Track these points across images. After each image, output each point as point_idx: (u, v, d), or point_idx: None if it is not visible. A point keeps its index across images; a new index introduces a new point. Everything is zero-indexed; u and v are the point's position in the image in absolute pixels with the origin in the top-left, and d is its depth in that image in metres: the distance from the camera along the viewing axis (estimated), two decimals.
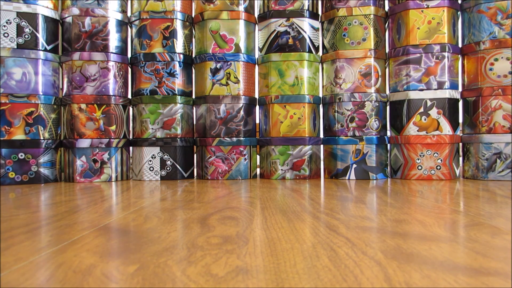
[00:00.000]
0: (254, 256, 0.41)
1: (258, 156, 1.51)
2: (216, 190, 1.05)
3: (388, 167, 1.40)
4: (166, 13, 1.40)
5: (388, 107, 1.41)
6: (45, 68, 1.34)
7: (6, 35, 1.28)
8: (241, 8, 1.42)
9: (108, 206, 0.78)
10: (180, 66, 1.42)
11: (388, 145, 1.40)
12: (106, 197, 0.94)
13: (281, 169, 1.38)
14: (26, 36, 1.31)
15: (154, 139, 1.38)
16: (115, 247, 0.46)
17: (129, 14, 1.47)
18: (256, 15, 1.48)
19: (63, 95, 1.40)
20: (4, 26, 1.28)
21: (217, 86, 1.40)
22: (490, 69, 1.27)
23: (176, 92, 1.41)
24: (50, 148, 1.34)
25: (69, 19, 1.37)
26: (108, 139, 1.35)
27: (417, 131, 1.31)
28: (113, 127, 1.38)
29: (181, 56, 1.41)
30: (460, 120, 1.38)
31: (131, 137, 1.45)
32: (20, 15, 1.30)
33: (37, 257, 0.42)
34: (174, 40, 1.41)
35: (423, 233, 0.52)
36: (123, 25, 1.43)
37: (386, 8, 1.43)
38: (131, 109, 1.46)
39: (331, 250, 0.43)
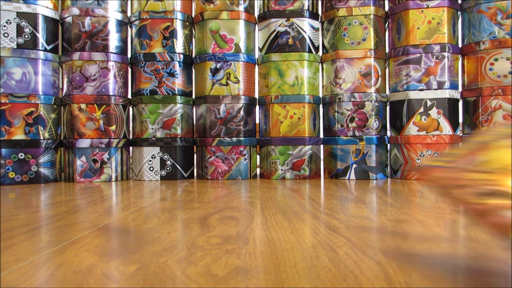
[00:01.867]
0: (254, 256, 0.41)
1: (258, 156, 1.51)
2: (216, 190, 1.05)
3: (388, 167, 1.40)
4: (166, 13, 1.40)
5: (388, 107, 1.41)
6: (45, 68, 1.34)
7: (6, 35, 1.28)
8: (241, 8, 1.42)
9: (108, 206, 0.78)
10: (180, 66, 1.42)
11: (388, 145, 1.40)
12: (106, 197, 0.94)
13: (281, 169, 1.38)
14: (26, 36, 1.31)
15: (154, 139, 1.38)
16: (115, 247, 0.46)
17: (129, 14, 1.47)
18: (256, 15, 1.48)
19: (63, 95, 1.40)
20: (4, 26, 1.28)
21: (217, 86, 1.40)
22: (490, 69, 1.27)
23: (176, 92, 1.41)
24: (50, 148, 1.34)
25: (69, 19, 1.37)
26: (108, 139, 1.35)
27: (417, 131, 1.31)
28: (113, 127, 1.38)
29: (181, 56, 1.41)
30: (460, 120, 1.38)
31: (131, 137, 1.45)
32: (20, 15, 1.30)
33: (37, 257, 0.42)
34: (174, 40, 1.41)
35: (423, 233, 0.52)
36: (123, 25, 1.43)
37: (386, 8, 1.43)
38: (131, 109, 1.46)
39: (331, 250, 0.43)
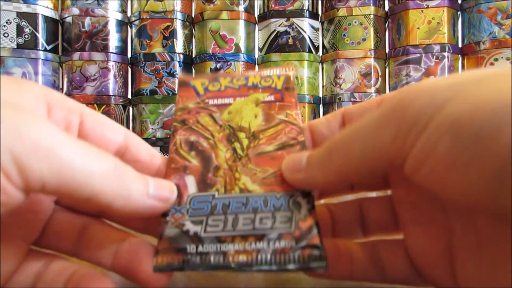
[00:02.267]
0: None
1: None
2: None
3: None
4: (166, 13, 1.40)
5: None
6: (45, 68, 1.34)
7: (6, 35, 1.29)
8: (241, 8, 1.42)
9: None
10: (180, 66, 1.42)
11: None
12: None
13: None
14: (26, 36, 1.31)
15: (154, 139, 1.38)
16: None
17: (129, 14, 1.47)
18: (256, 15, 1.48)
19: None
20: (4, 26, 1.28)
21: None
22: None
23: (176, 92, 1.41)
24: None
25: (69, 19, 1.37)
26: None
27: None
28: None
29: (181, 56, 1.41)
30: None
31: None
32: (20, 15, 1.30)
33: None
34: (174, 40, 1.41)
35: None
36: (123, 25, 1.43)
37: (386, 8, 1.43)
38: (131, 109, 1.46)
39: None
